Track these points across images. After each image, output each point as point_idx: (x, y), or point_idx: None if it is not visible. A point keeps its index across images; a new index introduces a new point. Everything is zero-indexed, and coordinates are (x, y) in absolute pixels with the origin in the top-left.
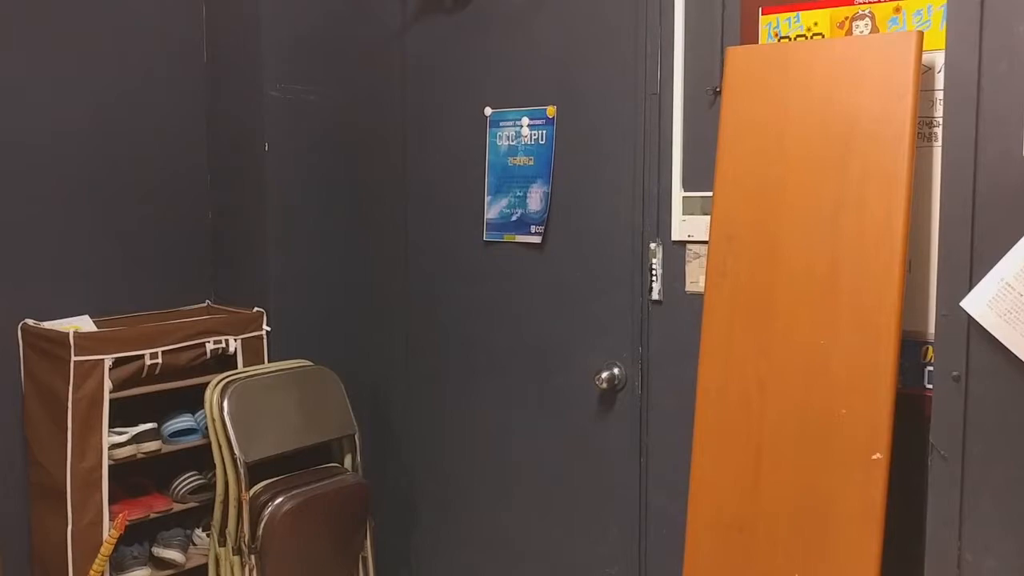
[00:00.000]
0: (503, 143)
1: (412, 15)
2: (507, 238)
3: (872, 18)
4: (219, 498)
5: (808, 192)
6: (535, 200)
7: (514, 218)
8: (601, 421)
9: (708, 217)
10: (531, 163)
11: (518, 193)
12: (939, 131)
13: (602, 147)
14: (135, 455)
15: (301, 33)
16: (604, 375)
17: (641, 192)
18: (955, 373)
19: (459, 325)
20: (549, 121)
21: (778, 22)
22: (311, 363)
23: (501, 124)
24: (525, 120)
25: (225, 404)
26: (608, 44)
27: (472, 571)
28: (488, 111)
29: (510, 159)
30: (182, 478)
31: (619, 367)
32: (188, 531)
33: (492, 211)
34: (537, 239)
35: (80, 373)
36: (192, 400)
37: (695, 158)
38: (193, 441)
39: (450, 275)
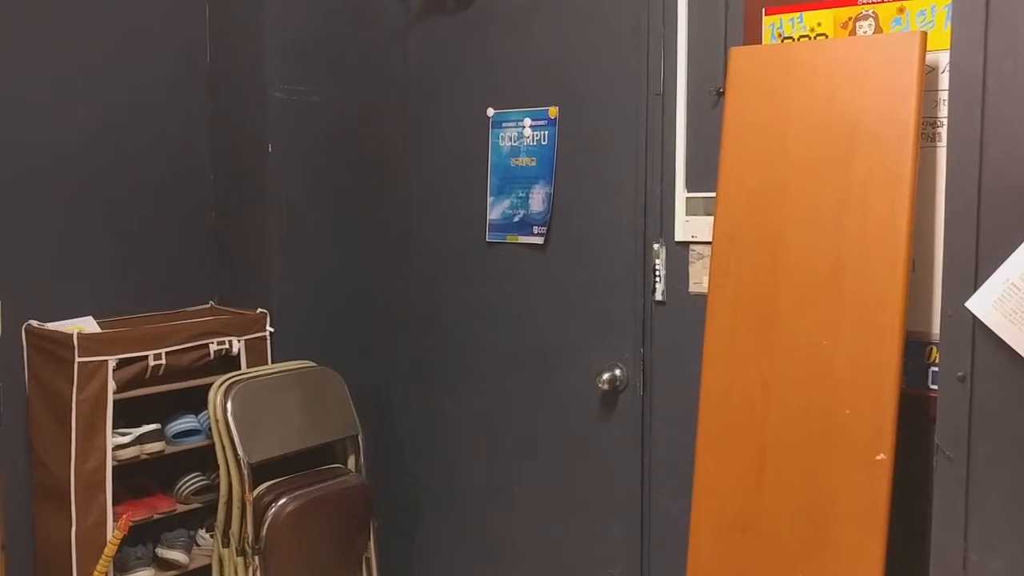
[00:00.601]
0: (505, 144)
1: (415, 16)
2: (510, 239)
3: (876, 18)
4: (223, 499)
5: (811, 192)
6: (537, 201)
7: (516, 219)
8: (604, 422)
9: (711, 218)
10: (533, 164)
11: (520, 194)
12: (943, 131)
13: (605, 148)
14: (139, 456)
15: (304, 34)
16: (606, 376)
17: (644, 193)
18: (960, 374)
19: (461, 326)
20: (551, 122)
21: (781, 22)
22: (314, 364)
23: (503, 125)
24: (527, 121)
25: (228, 405)
26: (611, 45)
27: (475, 572)
28: (490, 112)
29: (512, 160)
30: (186, 479)
31: (620, 368)
32: (192, 532)
33: (494, 212)
34: (539, 240)
35: (84, 374)
36: (195, 401)
37: (698, 159)
38: (197, 442)
39: (452, 276)
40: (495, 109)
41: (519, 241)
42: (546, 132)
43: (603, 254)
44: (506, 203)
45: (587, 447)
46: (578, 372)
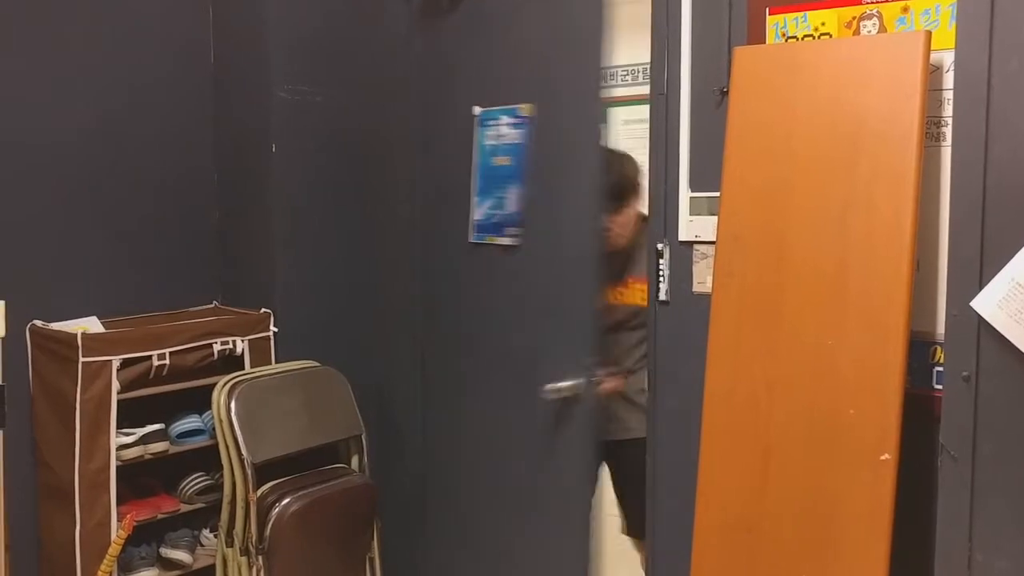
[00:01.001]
0: (489, 142)
1: (416, 15)
2: (489, 239)
3: (880, 18)
4: (226, 499)
5: (816, 192)
6: (513, 201)
7: (495, 219)
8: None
9: (715, 217)
10: (509, 163)
11: (499, 194)
12: (948, 131)
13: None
14: (143, 456)
15: (307, 34)
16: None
17: (648, 193)
18: (965, 373)
19: (463, 326)
20: (525, 120)
21: (785, 22)
22: (318, 364)
23: (487, 123)
24: (504, 119)
25: (232, 405)
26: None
27: (477, 572)
28: (477, 110)
29: (493, 159)
30: (189, 479)
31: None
32: (196, 532)
33: (478, 212)
34: (513, 241)
35: (88, 374)
36: (199, 401)
37: (702, 158)
38: (200, 442)
39: (452, 276)
40: (482, 107)
41: (496, 242)
42: (521, 130)
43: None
44: (489, 203)
45: (588, 447)
46: (580, 371)
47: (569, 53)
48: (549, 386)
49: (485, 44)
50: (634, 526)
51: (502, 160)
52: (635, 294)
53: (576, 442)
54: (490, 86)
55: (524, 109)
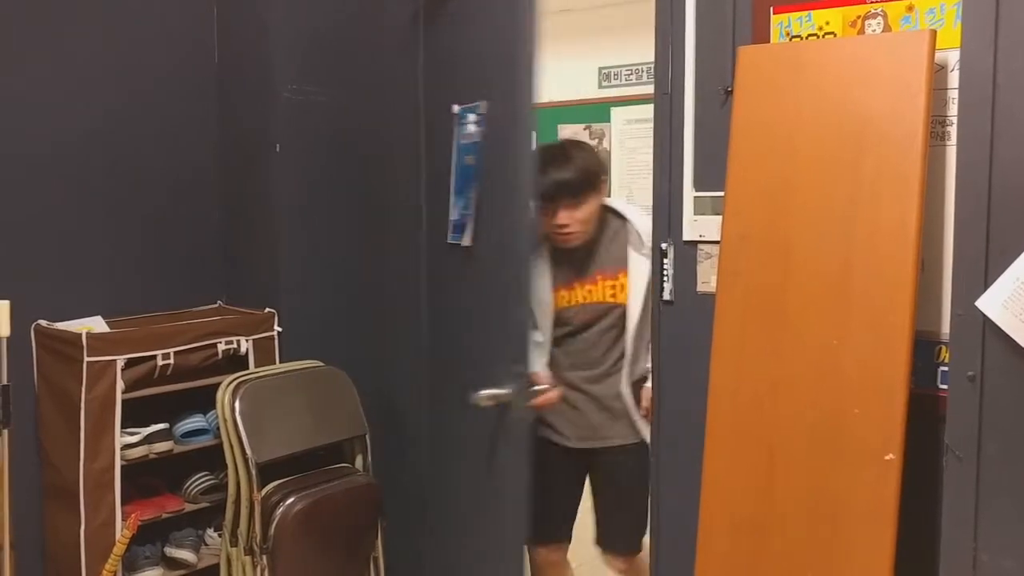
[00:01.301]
0: (464, 141)
1: (419, 15)
2: (460, 240)
3: (884, 17)
4: (231, 498)
5: (820, 191)
6: (473, 201)
7: (464, 220)
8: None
9: (719, 217)
10: (473, 162)
11: (470, 194)
12: (953, 130)
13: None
14: (147, 455)
15: (311, 34)
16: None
17: (651, 192)
18: (970, 373)
19: (455, 327)
20: (483, 118)
21: (790, 21)
22: (322, 364)
23: (462, 122)
24: (471, 117)
25: (237, 404)
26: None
27: (482, 571)
28: (456, 109)
29: (465, 157)
30: (194, 478)
31: None
32: (200, 531)
33: (454, 212)
34: (467, 241)
35: (93, 374)
36: (204, 400)
37: (706, 158)
38: (205, 441)
39: (443, 277)
40: (460, 106)
41: (461, 243)
42: (480, 129)
43: None
44: (461, 203)
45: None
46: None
47: (507, 54)
48: (482, 393)
49: (468, 42)
50: (604, 537)
51: (470, 160)
52: (604, 291)
53: (512, 451)
54: (472, 85)
55: (482, 107)
